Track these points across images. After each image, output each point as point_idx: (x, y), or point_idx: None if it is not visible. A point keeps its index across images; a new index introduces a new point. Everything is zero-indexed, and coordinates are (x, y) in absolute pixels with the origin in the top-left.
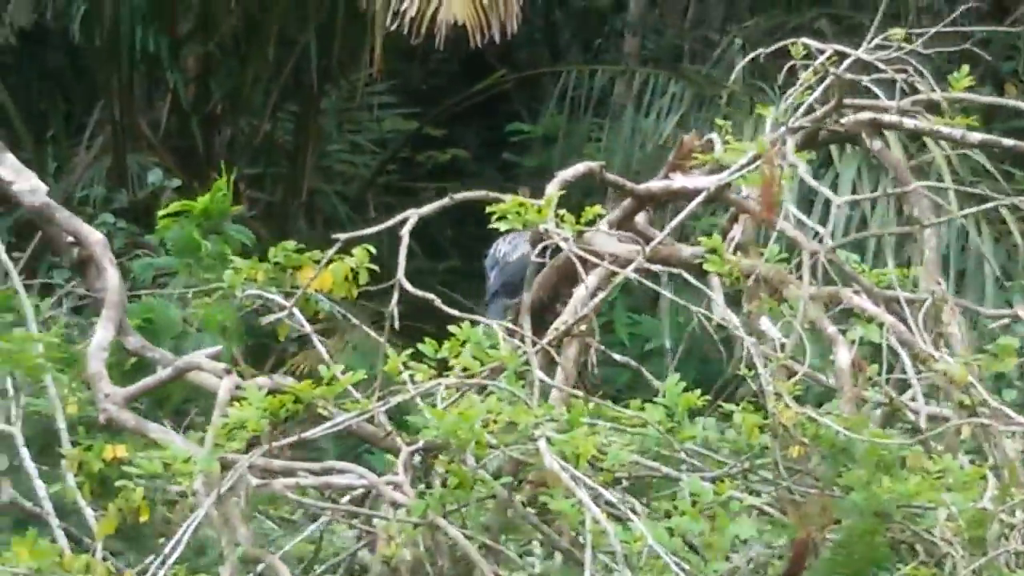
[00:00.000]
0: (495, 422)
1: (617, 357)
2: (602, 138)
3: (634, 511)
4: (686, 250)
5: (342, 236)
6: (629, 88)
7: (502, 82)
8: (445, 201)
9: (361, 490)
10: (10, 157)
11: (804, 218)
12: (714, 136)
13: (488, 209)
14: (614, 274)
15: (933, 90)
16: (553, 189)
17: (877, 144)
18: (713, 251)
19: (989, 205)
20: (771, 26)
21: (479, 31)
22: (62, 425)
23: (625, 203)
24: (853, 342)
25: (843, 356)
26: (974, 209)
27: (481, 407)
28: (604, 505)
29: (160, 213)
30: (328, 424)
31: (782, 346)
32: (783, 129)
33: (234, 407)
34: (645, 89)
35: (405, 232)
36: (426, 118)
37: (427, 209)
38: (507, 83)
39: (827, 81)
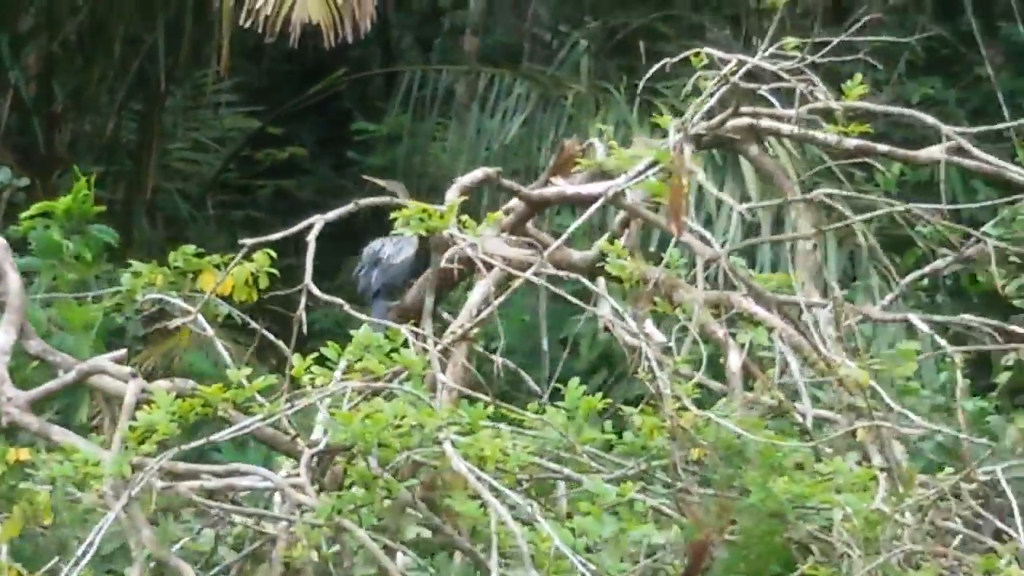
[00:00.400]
0: (399, 425)
1: (496, 359)
2: (447, 138)
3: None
4: (576, 254)
5: (248, 241)
6: (473, 88)
7: (339, 81)
8: (350, 207)
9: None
10: None
11: (699, 228)
12: (595, 141)
13: (393, 215)
14: (509, 277)
15: (828, 98)
16: (453, 195)
17: (755, 150)
18: (603, 256)
19: (881, 212)
20: (612, 27)
21: (332, 31)
22: None
23: (518, 208)
24: (743, 345)
25: (734, 359)
26: (867, 215)
27: (388, 410)
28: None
29: (23, 214)
30: (235, 427)
31: (668, 349)
32: (679, 136)
33: (142, 410)
34: (489, 89)
35: (311, 237)
36: (267, 117)
37: (333, 214)
38: (342, 83)
39: (722, 89)
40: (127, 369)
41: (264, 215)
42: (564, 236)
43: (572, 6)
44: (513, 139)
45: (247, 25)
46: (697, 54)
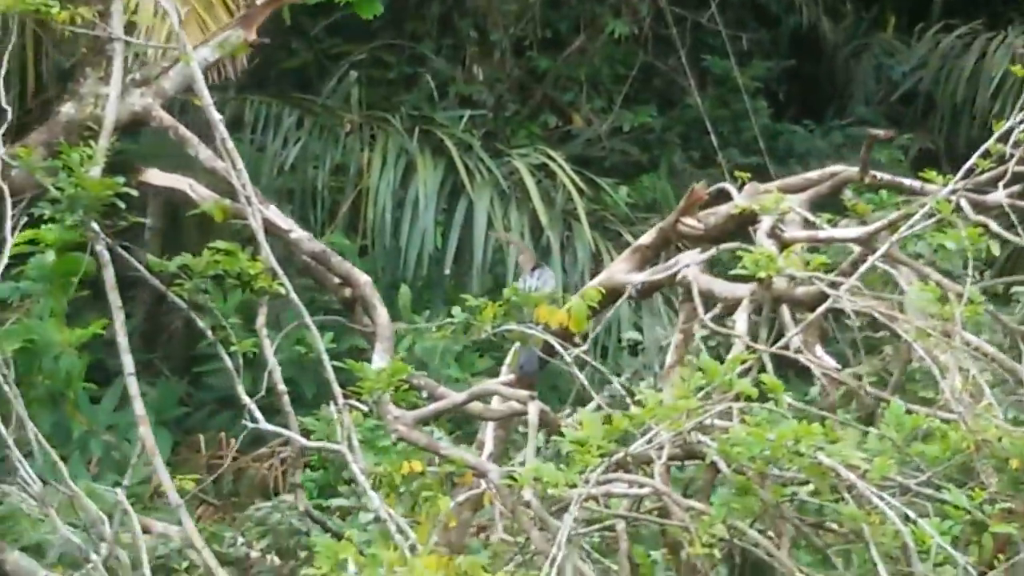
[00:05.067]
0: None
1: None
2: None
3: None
4: (799, 290)
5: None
6: (239, 115)
7: None
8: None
9: None
10: (274, 208)
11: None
12: (726, 185)
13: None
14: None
15: None
16: (764, 239)
17: None
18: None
19: None
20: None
21: None
22: (356, 443)
23: None
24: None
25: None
26: None
27: (788, 429)
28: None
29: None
30: (641, 440)
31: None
32: (948, 189)
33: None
34: (259, 117)
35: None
36: None
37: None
38: None
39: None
40: (524, 392)
41: None
42: (853, 278)
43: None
44: (289, 164)
45: None
46: None
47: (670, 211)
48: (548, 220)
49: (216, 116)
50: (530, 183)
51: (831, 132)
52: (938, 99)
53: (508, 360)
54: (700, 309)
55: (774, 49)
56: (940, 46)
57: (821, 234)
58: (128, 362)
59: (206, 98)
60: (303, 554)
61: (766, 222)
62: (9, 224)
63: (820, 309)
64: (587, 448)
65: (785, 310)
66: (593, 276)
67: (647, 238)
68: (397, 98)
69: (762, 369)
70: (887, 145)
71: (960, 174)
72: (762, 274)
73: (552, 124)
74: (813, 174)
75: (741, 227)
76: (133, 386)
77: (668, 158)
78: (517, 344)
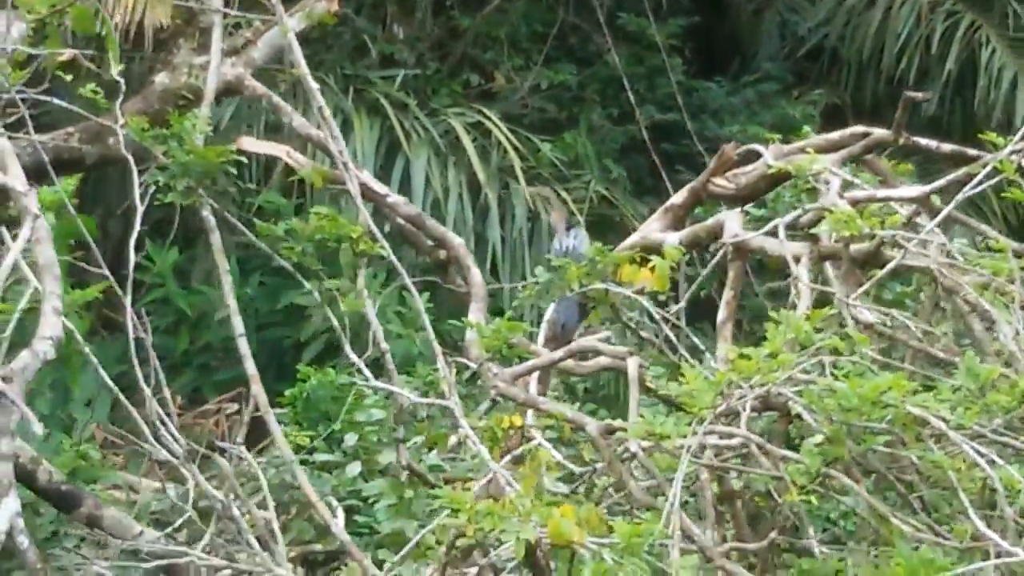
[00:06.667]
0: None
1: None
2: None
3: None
4: (850, 247)
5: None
6: None
7: None
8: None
9: None
10: (367, 173)
11: None
12: (757, 146)
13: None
14: None
15: None
16: (835, 192)
17: None
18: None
19: None
20: None
21: None
22: (457, 400)
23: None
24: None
25: (1007, 332)
26: None
27: (875, 382)
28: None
29: None
30: (737, 394)
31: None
32: (1008, 149)
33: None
34: None
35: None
36: None
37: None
38: None
39: None
40: (623, 349)
41: None
42: (923, 233)
43: None
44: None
45: None
46: None
47: (591, 167)
48: (486, 178)
49: (313, 85)
50: (466, 141)
51: (744, 89)
52: (844, 55)
53: (547, 315)
54: (792, 266)
55: (680, 6)
56: (845, 3)
57: (880, 193)
58: (238, 323)
59: (303, 66)
60: (294, 509)
61: (835, 182)
62: (137, 192)
63: (889, 266)
64: (695, 402)
65: (828, 267)
66: (531, 233)
67: (678, 198)
68: (319, 57)
69: (841, 324)
70: (799, 102)
71: (1020, 135)
72: (845, 232)
73: (474, 83)
74: (834, 135)
75: (772, 187)
76: (244, 346)
77: (587, 115)
78: (556, 299)
